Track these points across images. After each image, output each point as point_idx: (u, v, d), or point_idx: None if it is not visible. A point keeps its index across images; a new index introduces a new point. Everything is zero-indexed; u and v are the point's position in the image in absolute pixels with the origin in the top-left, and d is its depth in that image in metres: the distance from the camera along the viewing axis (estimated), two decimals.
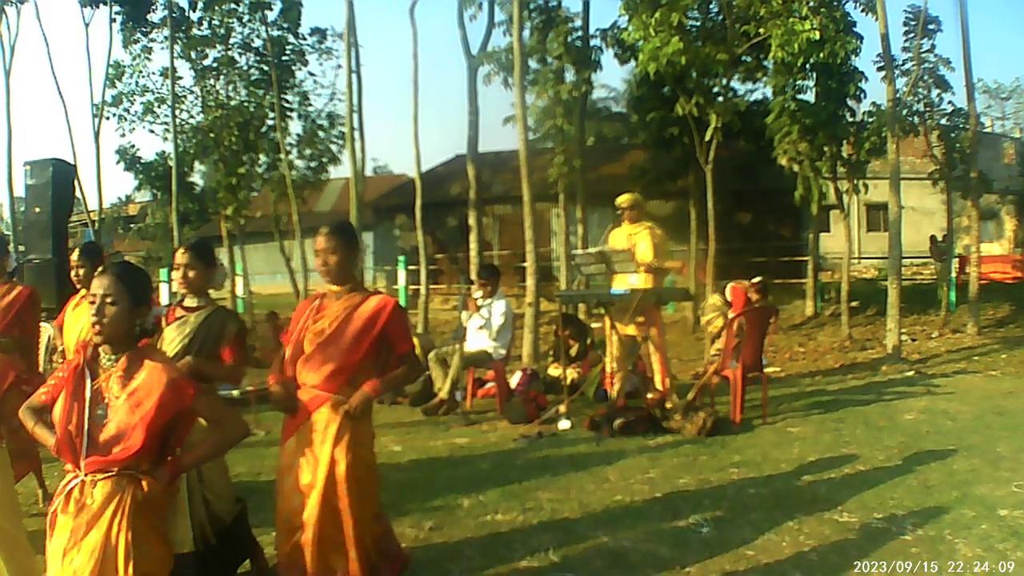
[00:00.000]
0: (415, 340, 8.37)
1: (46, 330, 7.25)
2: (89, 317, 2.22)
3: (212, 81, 16.37)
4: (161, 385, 2.20)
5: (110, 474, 2.17)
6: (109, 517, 2.13)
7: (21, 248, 10.97)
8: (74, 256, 3.89)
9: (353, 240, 2.94)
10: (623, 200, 6.73)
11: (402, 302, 12.46)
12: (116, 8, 15.97)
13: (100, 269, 2.30)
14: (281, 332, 3.58)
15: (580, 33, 13.55)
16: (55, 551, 2.17)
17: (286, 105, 16.11)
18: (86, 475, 2.18)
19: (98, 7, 15.99)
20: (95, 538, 2.11)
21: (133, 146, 18.66)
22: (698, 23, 11.84)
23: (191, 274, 3.26)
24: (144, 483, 2.19)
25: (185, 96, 16.88)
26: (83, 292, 3.88)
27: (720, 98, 12.29)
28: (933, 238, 14.11)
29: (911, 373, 8.59)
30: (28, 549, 2.89)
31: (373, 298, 2.90)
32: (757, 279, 7.72)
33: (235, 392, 7.77)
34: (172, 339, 3.11)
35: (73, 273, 3.87)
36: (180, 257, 3.27)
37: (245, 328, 3.47)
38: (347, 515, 2.70)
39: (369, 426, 2.94)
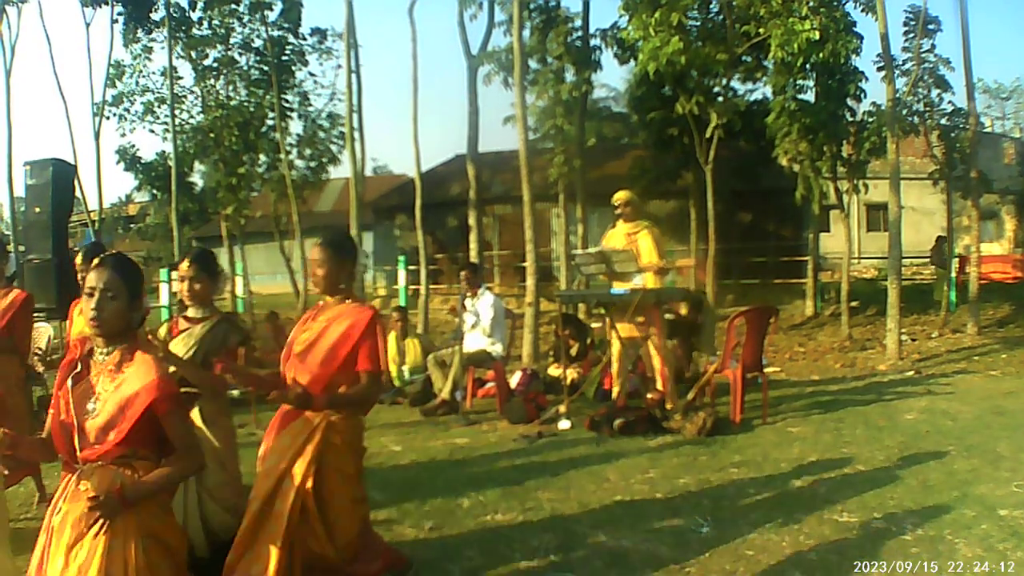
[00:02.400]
0: (415, 342, 8.43)
1: (46, 331, 7.27)
2: (87, 311, 2.21)
3: (212, 81, 16.37)
4: (146, 379, 2.18)
5: (107, 464, 2.17)
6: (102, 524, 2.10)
7: (21, 248, 10.98)
8: (78, 260, 3.88)
9: (344, 253, 2.96)
10: (620, 197, 6.71)
11: (402, 302, 12.48)
12: (118, 8, 15.97)
13: (96, 262, 2.26)
14: (281, 333, 3.56)
15: (580, 33, 13.55)
16: (58, 548, 2.15)
17: (286, 105, 16.12)
18: (88, 466, 2.18)
19: (100, 7, 15.98)
20: (96, 530, 2.09)
21: (133, 146, 18.69)
22: (698, 23, 11.85)
23: (197, 286, 3.27)
24: (140, 470, 2.18)
25: (185, 96, 16.89)
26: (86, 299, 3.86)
27: (720, 98, 12.30)
28: (940, 239, 13.89)
29: (911, 373, 8.59)
30: (6, 551, 2.85)
31: (353, 311, 2.90)
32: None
33: (235, 392, 7.78)
34: (178, 351, 3.12)
35: (80, 277, 3.85)
36: (185, 270, 3.26)
37: (249, 339, 3.45)
38: (294, 517, 2.65)
39: (353, 437, 2.91)
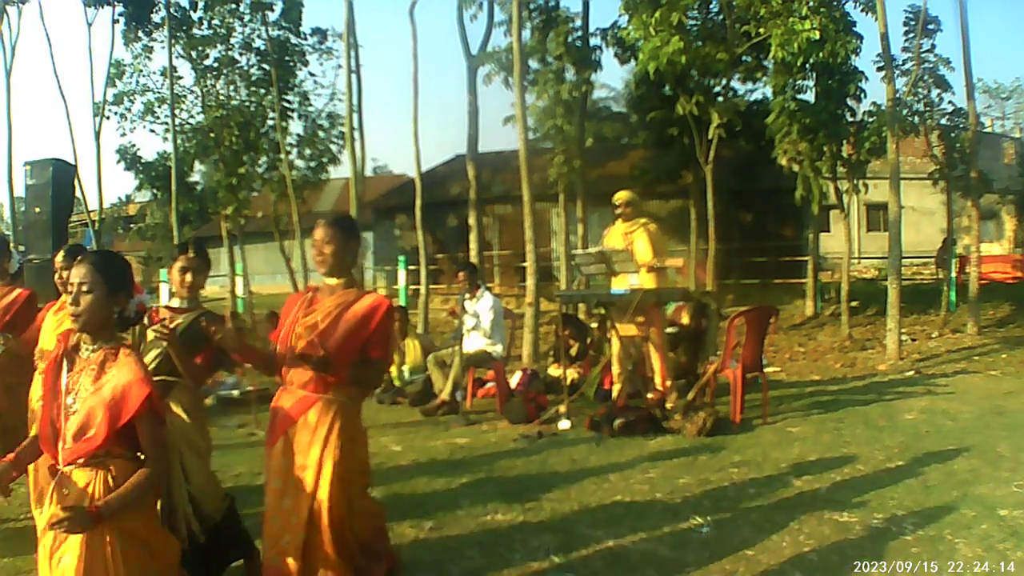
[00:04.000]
0: (415, 342, 8.42)
1: None
2: (68, 306, 2.20)
3: (213, 81, 16.36)
4: (126, 382, 2.14)
5: (82, 464, 2.16)
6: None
7: (21, 248, 10.97)
8: (58, 258, 3.76)
9: (351, 233, 2.85)
10: (620, 197, 6.71)
11: (402, 302, 12.49)
12: (119, 8, 15.96)
13: (78, 259, 2.25)
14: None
15: (580, 33, 13.55)
16: (44, 551, 2.15)
17: (286, 105, 16.11)
18: (64, 467, 2.17)
19: (101, 7, 15.98)
20: (77, 535, 2.08)
21: (133, 146, 18.60)
22: (698, 23, 11.86)
23: (196, 277, 3.24)
24: (114, 468, 2.15)
25: (185, 96, 16.88)
26: (66, 296, 3.79)
27: (720, 98, 12.30)
28: (946, 241, 13.75)
29: (911, 373, 8.59)
30: None
31: (369, 296, 2.82)
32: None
33: (235, 392, 7.79)
34: (153, 340, 3.03)
35: (56, 275, 3.75)
36: (188, 259, 3.22)
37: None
38: (333, 519, 2.63)
39: (360, 426, 2.85)
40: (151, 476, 2.19)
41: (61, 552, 2.12)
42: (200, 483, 3.12)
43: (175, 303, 3.25)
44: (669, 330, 7.00)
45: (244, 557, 3.28)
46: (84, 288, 2.17)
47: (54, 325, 3.72)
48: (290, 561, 2.61)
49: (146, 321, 3.13)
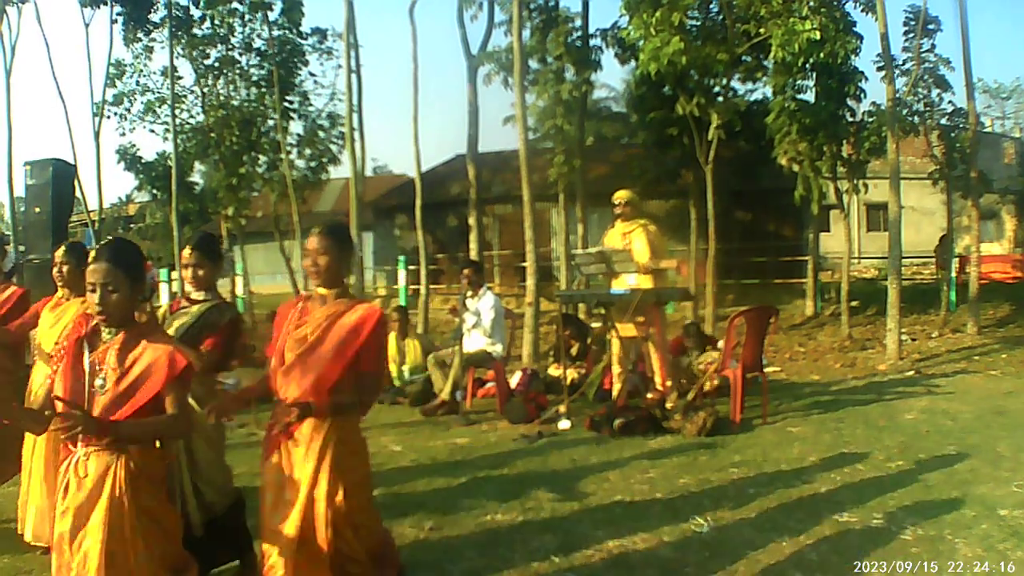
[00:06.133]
0: (415, 342, 8.41)
1: None
2: (91, 304, 2.28)
3: (213, 81, 16.35)
4: (154, 360, 2.25)
5: (102, 447, 2.23)
6: (108, 492, 2.19)
7: (21, 248, 10.97)
8: (59, 253, 3.79)
9: (346, 243, 2.78)
10: (619, 196, 6.71)
11: (402, 302, 12.49)
12: (117, 8, 15.95)
13: (94, 254, 2.31)
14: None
15: (580, 33, 13.55)
16: (61, 538, 2.21)
17: (287, 105, 16.10)
18: (83, 449, 2.24)
19: (99, 7, 15.96)
20: (99, 518, 2.17)
21: (133, 146, 18.58)
22: (698, 23, 11.84)
23: (200, 272, 3.29)
24: (134, 452, 2.24)
25: (186, 96, 16.87)
26: (62, 292, 3.78)
27: (720, 98, 12.29)
28: (943, 239, 13.71)
29: (911, 373, 8.59)
30: None
31: (360, 307, 2.73)
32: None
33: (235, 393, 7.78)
34: (170, 328, 3.15)
35: (56, 270, 3.76)
36: (188, 257, 3.29)
37: (239, 320, 3.42)
38: (325, 535, 2.57)
39: (358, 438, 2.79)
40: (170, 420, 2.30)
41: (81, 536, 2.19)
42: (207, 471, 3.13)
43: (194, 295, 3.32)
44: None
45: (239, 559, 3.24)
46: (109, 288, 2.26)
47: (51, 321, 3.72)
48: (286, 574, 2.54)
49: (164, 311, 3.27)
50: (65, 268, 3.74)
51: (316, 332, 2.67)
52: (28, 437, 3.59)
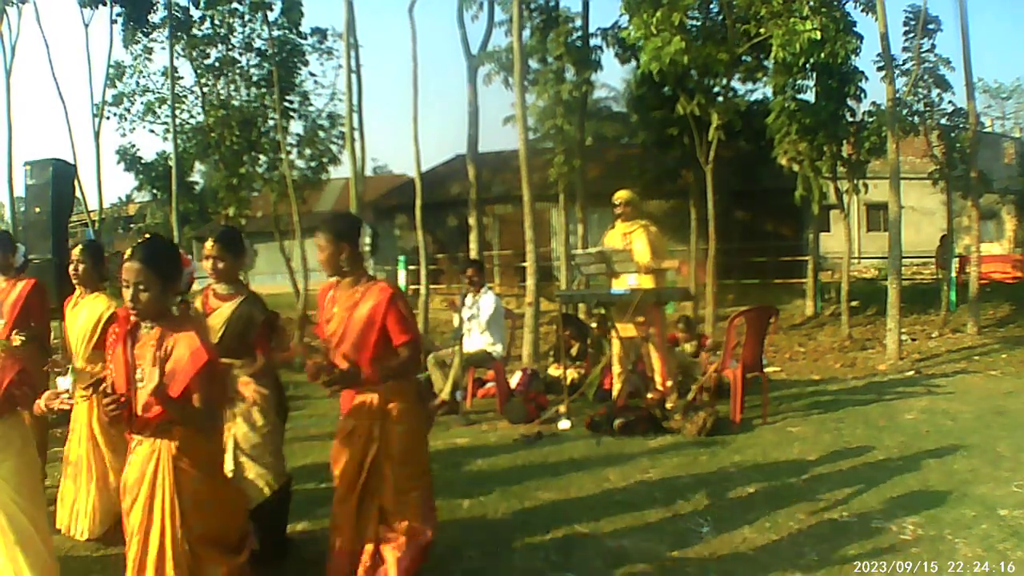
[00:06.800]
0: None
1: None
2: (125, 299, 2.39)
3: (213, 81, 16.36)
4: (182, 356, 2.35)
5: (147, 436, 2.40)
6: (151, 477, 2.36)
7: (21, 248, 10.94)
8: (75, 252, 3.88)
9: (342, 234, 2.93)
10: (619, 196, 6.70)
11: None
12: (116, 9, 15.95)
13: (128, 252, 2.40)
14: (281, 333, 3.59)
15: (580, 33, 13.54)
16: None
17: (287, 105, 16.11)
18: (135, 435, 2.43)
19: (98, 7, 15.96)
20: (140, 503, 2.37)
21: (133, 146, 18.64)
22: (699, 23, 11.84)
23: (221, 265, 3.34)
24: (177, 436, 2.38)
25: (186, 96, 16.88)
26: (80, 291, 3.90)
27: (720, 98, 12.29)
28: (944, 239, 13.66)
29: (911, 373, 8.59)
30: (47, 537, 2.85)
31: (370, 292, 2.90)
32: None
33: None
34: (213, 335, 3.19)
35: (72, 268, 3.85)
36: (209, 249, 3.33)
37: (273, 316, 3.46)
38: (394, 487, 2.91)
39: (417, 409, 3.03)
40: (199, 413, 2.40)
41: (135, 518, 2.40)
42: (252, 453, 3.20)
43: (219, 289, 3.37)
44: None
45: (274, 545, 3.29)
46: (141, 287, 2.36)
47: (73, 319, 3.85)
48: (368, 547, 2.88)
49: (199, 305, 3.36)
50: (81, 267, 3.87)
51: (340, 327, 2.91)
52: (73, 433, 3.77)
